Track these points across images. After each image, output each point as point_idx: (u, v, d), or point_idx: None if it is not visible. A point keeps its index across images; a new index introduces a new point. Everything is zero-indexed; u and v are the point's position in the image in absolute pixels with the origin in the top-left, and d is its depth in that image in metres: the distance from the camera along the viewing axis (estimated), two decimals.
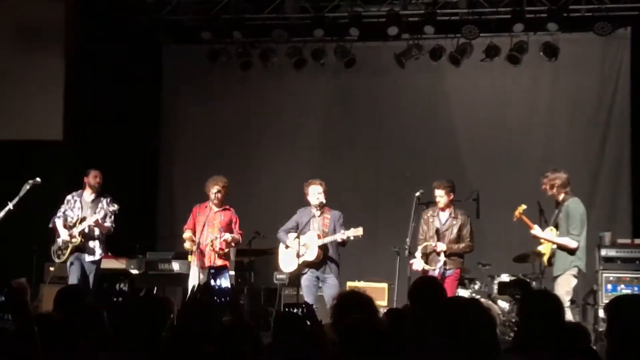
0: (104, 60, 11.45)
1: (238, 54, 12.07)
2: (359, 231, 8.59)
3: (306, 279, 8.76)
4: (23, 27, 11.25)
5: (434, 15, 11.30)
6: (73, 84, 11.15)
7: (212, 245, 8.97)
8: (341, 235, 8.61)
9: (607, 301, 9.45)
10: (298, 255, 8.64)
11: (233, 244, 9.33)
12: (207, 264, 8.97)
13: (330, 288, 8.67)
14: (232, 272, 9.69)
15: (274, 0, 11.64)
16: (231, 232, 9.16)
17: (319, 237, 8.75)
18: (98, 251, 9.17)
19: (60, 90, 11.11)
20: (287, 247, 8.96)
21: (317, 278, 8.78)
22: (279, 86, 12.58)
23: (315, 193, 8.83)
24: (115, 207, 9.11)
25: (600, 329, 9.54)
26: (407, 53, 11.68)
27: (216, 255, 9.02)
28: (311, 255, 8.72)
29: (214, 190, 9.11)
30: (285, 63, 12.13)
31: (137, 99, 12.18)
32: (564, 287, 7.96)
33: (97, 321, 4.44)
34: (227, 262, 9.22)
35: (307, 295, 8.68)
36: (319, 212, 8.86)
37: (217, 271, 8.95)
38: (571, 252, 8.02)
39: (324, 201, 8.85)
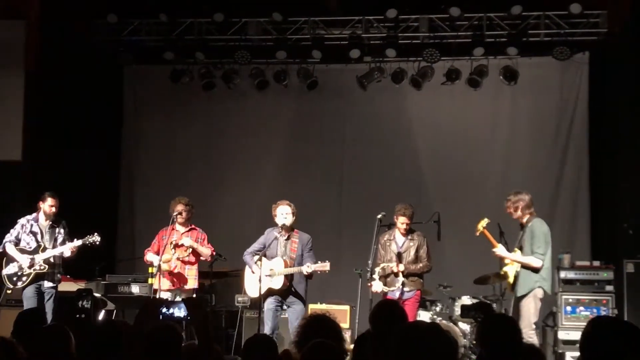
0: (64, 80, 11.32)
1: (201, 75, 12.06)
2: (325, 266, 8.40)
3: (270, 303, 8.59)
4: None
5: (396, 39, 11.41)
6: (33, 104, 11.00)
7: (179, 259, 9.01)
8: (306, 269, 8.42)
9: (566, 323, 9.63)
10: (260, 281, 8.39)
11: (203, 258, 9.26)
12: (177, 285, 9.03)
13: (294, 313, 8.53)
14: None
15: (237, 22, 11.66)
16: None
17: (285, 264, 8.54)
18: (58, 277, 9.16)
19: (19, 109, 10.95)
20: (252, 271, 8.72)
21: (281, 303, 8.62)
22: (241, 107, 12.56)
23: (283, 213, 8.63)
24: (97, 237, 9.00)
25: (560, 351, 9.63)
26: (369, 76, 11.76)
27: (185, 273, 9.04)
28: (277, 284, 8.52)
29: (178, 209, 9.08)
30: (248, 84, 12.15)
31: (98, 120, 12.06)
32: (531, 309, 7.96)
33: (64, 344, 4.36)
34: (195, 285, 9.18)
35: (268, 320, 8.52)
36: (285, 235, 8.66)
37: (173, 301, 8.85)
38: (535, 270, 8.03)
39: (291, 223, 8.65)
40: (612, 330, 3.36)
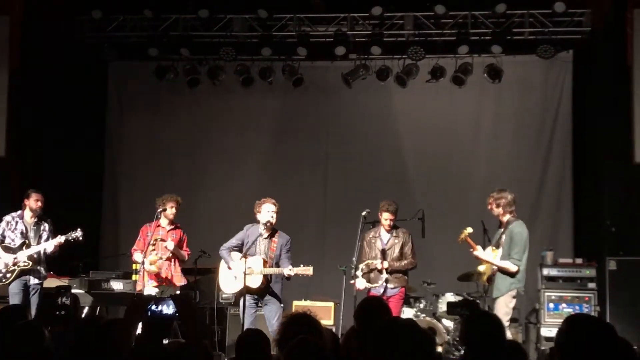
0: (48, 76, 11.27)
1: (185, 72, 12.03)
2: (308, 270, 8.36)
3: (247, 301, 8.46)
4: None
5: (381, 36, 11.43)
6: (17, 100, 10.95)
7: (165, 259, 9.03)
8: (288, 272, 8.36)
9: (549, 319, 9.68)
10: (245, 277, 8.30)
11: (179, 259, 9.24)
12: (166, 283, 9.02)
13: (271, 311, 8.47)
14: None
15: (222, 18, 11.65)
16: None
17: (264, 263, 8.47)
18: (43, 273, 9.16)
19: (3, 105, 10.89)
20: (229, 267, 8.66)
21: (257, 301, 8.55)
22: (226, 104, 12.55)
23: (269, 211, 8.53)
24: (79, 233, 9.03)
25: (543, 347, 9.69)
26: (354, 73, 11.77)
27: (172, 271, 9.06)
28: (255, 282, 8.42)
29: (170, 206, 9.07)
30: (233, 81, 12.12)
31: (82, 116, 12.03)
32: (503, 308, 8.03)
33: (38, 340, 4.35)
34: (183, 282, 9.20)
35: (246, 316, 8.43)
36: (267, 234, 8.58)
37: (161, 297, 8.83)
38: (511, 275, 8.08)
39: (274, 222, 8.60)
40: (587, 328, 3.39)
